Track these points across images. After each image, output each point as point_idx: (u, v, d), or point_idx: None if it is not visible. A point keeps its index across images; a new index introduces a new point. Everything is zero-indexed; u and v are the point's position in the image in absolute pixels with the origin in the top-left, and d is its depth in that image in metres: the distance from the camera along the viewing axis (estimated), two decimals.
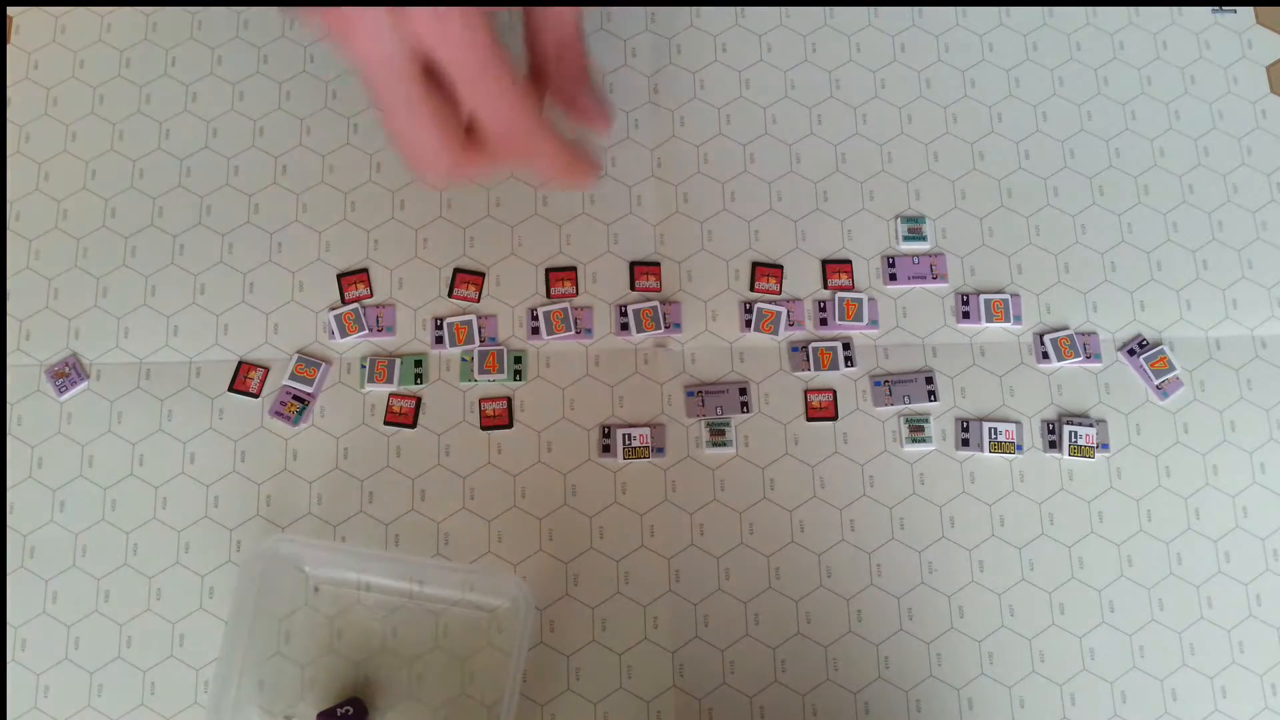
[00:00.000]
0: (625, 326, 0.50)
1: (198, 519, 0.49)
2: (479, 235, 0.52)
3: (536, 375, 0.50)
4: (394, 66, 0.39)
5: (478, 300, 0.51)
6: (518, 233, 0.52)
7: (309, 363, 0.50)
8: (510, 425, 0.50)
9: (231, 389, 0.50)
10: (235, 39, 0.55)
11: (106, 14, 0.55)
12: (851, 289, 0.52)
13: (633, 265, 0.52)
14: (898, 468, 0.49)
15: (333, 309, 0.51)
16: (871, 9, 0.55)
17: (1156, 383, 0.50)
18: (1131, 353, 0.51)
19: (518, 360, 0.50)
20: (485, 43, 0.40)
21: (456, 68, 0.40)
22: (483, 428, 0.50)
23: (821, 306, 0.51)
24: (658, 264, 0.52)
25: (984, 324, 0.51)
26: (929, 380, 0.50)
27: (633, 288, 0.51)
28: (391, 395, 0.50)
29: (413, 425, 0.50)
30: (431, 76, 0.40)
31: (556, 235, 0.52)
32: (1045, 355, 0.51)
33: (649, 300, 0.51)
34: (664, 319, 0.50)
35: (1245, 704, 0.47)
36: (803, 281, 0.52)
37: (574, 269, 0.52)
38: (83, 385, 0.50)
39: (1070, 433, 0.50)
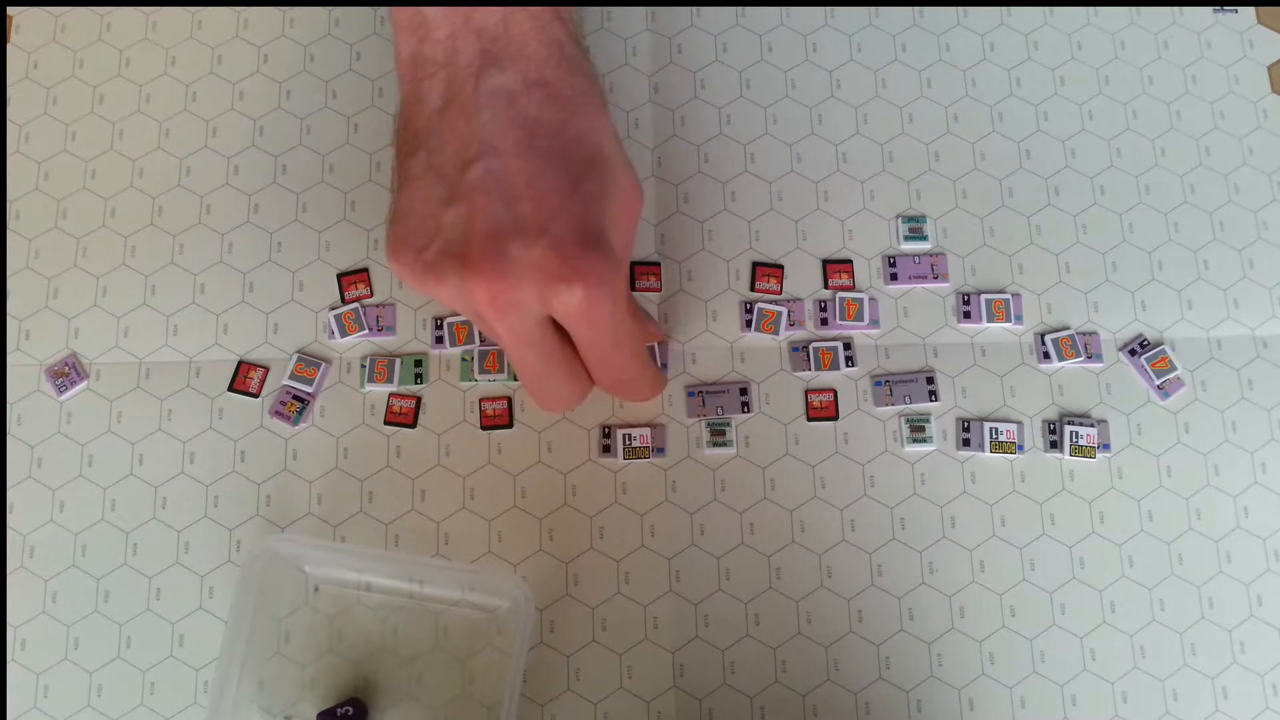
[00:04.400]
0: None
1: (198, 519, 0.49)
2: None
3: None
4: (533, 335, 0.40)
5: None
6: None
7: (309, 362, 0.50)
8: (510, 425, 0.50)
9: (231, 389, 0.50)
10: (235, 39, 0.55)
11: (106, 13, 0.55)
12: (852, 289, 0.51)
13: (633, 265, 0.52)
14: (898, 468, 0.49)
15: (333, 309, 0.51)
16: (872, 9, 0.55)
17: (1158, 383, 0.50)
18: (1133, 353, 0.51)
19: None
20: (621, 319, 0.40)
21: (592, 345, 0.41)
22: (483, 428, 0.50)
23: (822, 306, 0.51)
24: (658, 264, 0.52)
25: (985, 324, 0.51)
26: (930, 380, 0.50)
27: (633, 288, 0.51)
28: (391, 395, 0.50)
29: (413, 425, 0.50)
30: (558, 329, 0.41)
31: None
32: (1046, 355, 0.51)
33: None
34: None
35: (1246, 704, 0.47)
36: (803, 281, 0.52)
37: None
38: (82, 385, 0.50)
39: (1071, 433, 0.49)
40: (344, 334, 0.50)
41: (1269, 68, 0.55)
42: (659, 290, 0.51)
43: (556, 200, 0.38)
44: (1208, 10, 0.56)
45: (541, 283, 0.37)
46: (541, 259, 0.37)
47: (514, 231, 0.37)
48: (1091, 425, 0.50)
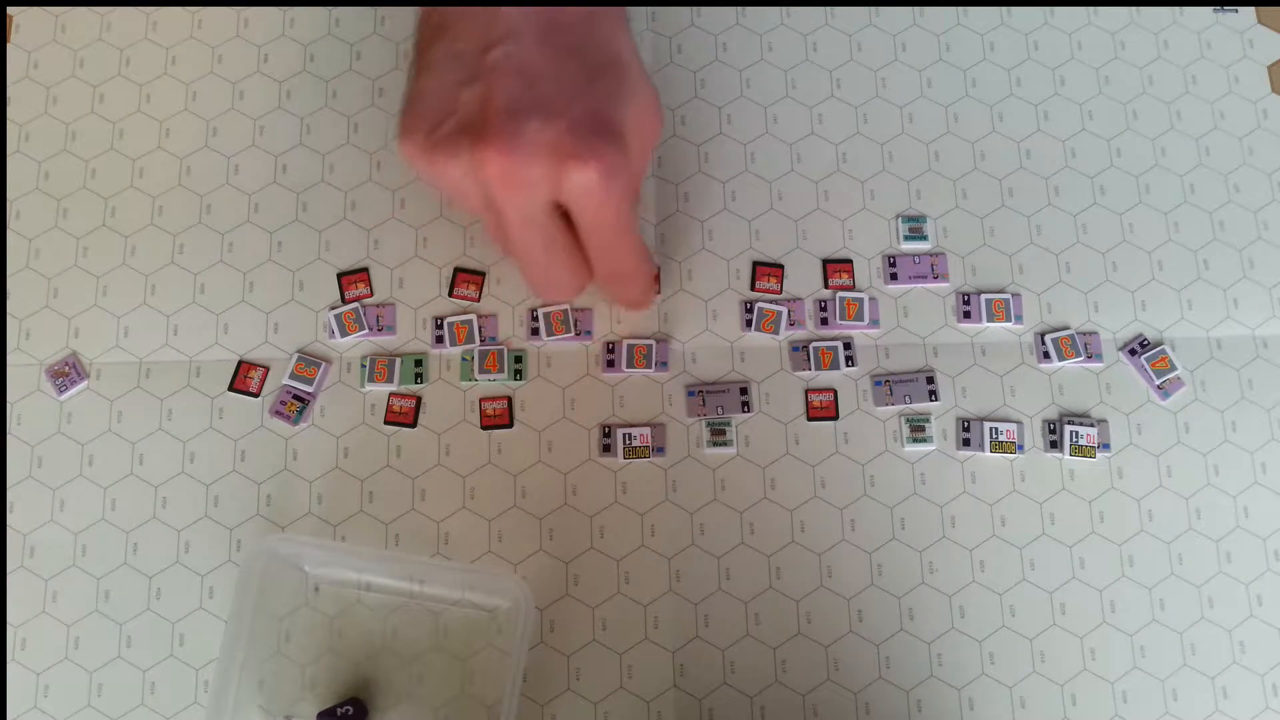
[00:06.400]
0: (612, 364, 0.50)
1: (198, 519, 0.49)
2: (479, 235, 0.52)
3: (537, 375, 0.50)
4: (539, 217, 0.41)
5: (478, 300, 0.51)
6: None
7: (309, 362, 0.50)
8: (510, 425, 0.50)
9: (231, 388, 0.50)
10: (235, 38, 0.55)
11: (106, 13, 0.55)
12: (852, 289, 0.51)
13: None
14: (898, 467, 0.49)
15: (333, 308, 0.51)
16: (872, 8, 0.55)
17: (1158, 382, 0.50)
18: (1133, 352, 0.51)
19: (518, 360, 0.50)
20: (627, 211, 0.41)
21: (596, 230, 0.42)
22: (483, 427, 0.50)
23: (822, 306, 0.51)
24: (658, 264, 0.52)
25: (985, 324, 0.51)
26: (930, 380, 0.50)
27: None
28: (392, 395, 0.50)
29: (413, 425, 0.50)
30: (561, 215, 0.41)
31: None
32: (1046, 355, 0.51)
33: (644, 339, 0.50)
34: (654, 357, 0.50)
35: (1246, 704, 0.47)
36: (803, 281, 0.52)
37: None
38: (83, 385, 0.50)
39: (1071, 433, 0.49)
40: (344, 334, 0.50)
41: (1269, 68, 0.55)
42: (659, 291, 0.51)
43: (575, 87, 0.39)
44: (1208, 10, 0.56)
45: (555, 161, 0.38)
46: (558, 138, 0.38)
47: (532, 110, 0.38)
48: (1091, 425, 0.50)
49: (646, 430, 0.49)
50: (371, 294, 0.51)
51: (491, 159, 0.38)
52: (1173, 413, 0.50)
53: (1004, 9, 0.56)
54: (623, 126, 0.40)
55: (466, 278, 0.51)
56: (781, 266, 0.52)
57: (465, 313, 0.51)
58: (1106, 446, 0.50)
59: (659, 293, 0.51)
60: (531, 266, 0.44)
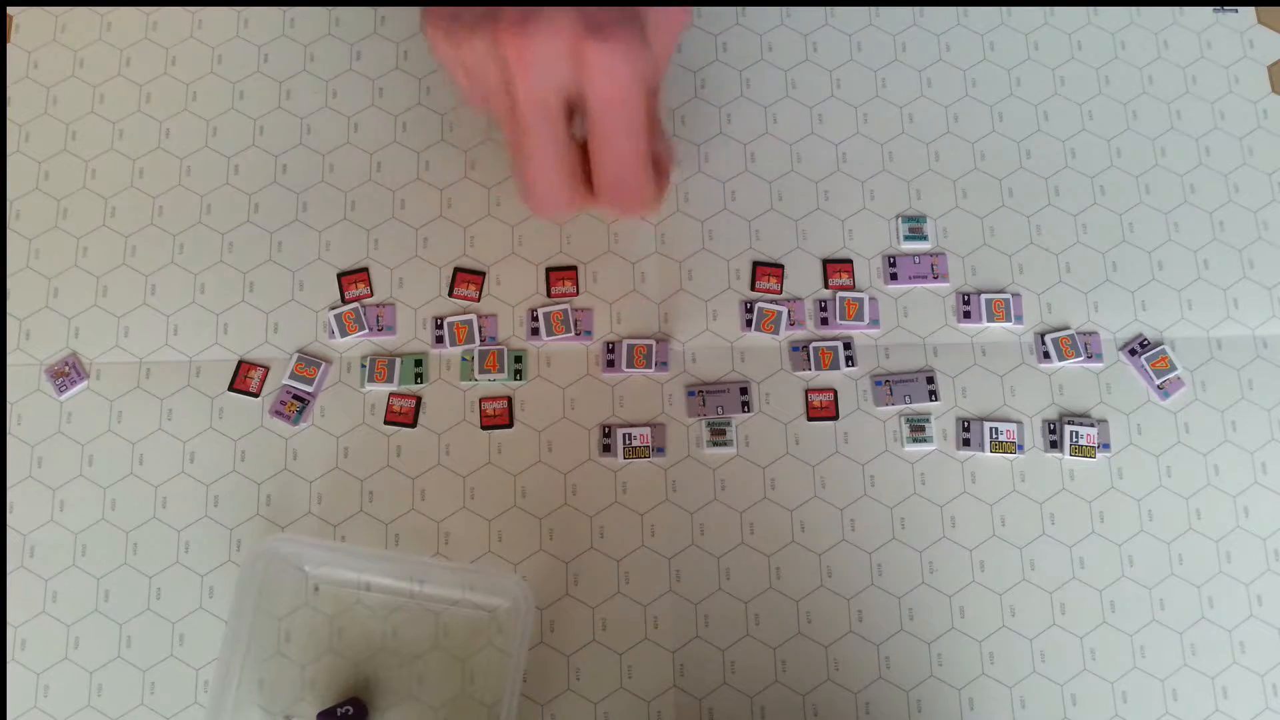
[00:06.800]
0: (612, 364, 0.50)
1: (198, 519, 0.49)
2: (479, 235, 0.52)
3: (537, 375, 0.50)
4: (551, 100, 0.40)
5: (478, 300, 0.51)
6: (518, 232, 0.52)
7: (309, 362, 0.50)
8: (510, 425, 0.50)
9: (231, 388, 0.50)
10: (235, 38, 0.55)
11: (106, 13, 0.55)
12: (852, 288, 0.51)
13: (634, 265, 0.52)
14: (898, 467, 0.49)
15: (333, 308, 0.51)
16: (872, 9, 0.55)
17: (1158, 382, 0.50)
18: (1133, 352, 0.51)
19: (518, 360, 0.50)
20: (640, 106, 0.41)
21: (606, 118, 0.41)
22: (483, 427, 0.50)
23: (822, 306, 0.51)
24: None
25: (985, 324, 0.51)
26: (930, 380, 0.50)
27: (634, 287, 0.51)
28: (391, 395, 0.50)
29: (413, 425, 0.50)
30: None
31: (557, 235, 0.52)
32: (1046, 355, 0.51)
33: (644, 339, 0.50)
34: (654, 357, 0.50)
35: (1246, 704, 0.47)
36: (804, 281, 0.52)
37: (574, 268, 0.51)
38: (82, 385, 0.50)
39: (1071, 433, 0.49)
40: (344, 334, 0.50)
41: (1269, 68, 0.55)
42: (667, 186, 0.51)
43: None
44: (1208, 10, 0.56)
45: (574, 37, 0.38)
46: (575, 18, 0.38)
47: None
48: (1091, 425, 0.50)
49: (646, 430, 0.49)
50: (371, 294, 0.51)
51: (510, 35, 0.38)
52: (1173, 413, 0.50)
53: (1004, 9, 0.56)
54: (641, 13, 0.40)
55: (466, 278, 0.51)
56: (781, 266, 0.52)
57: (465, 313, 0.51)
58: (1106, 446, 0.50)
59: (662, 201, 0.49)
60: (531, 160, 0.43)
